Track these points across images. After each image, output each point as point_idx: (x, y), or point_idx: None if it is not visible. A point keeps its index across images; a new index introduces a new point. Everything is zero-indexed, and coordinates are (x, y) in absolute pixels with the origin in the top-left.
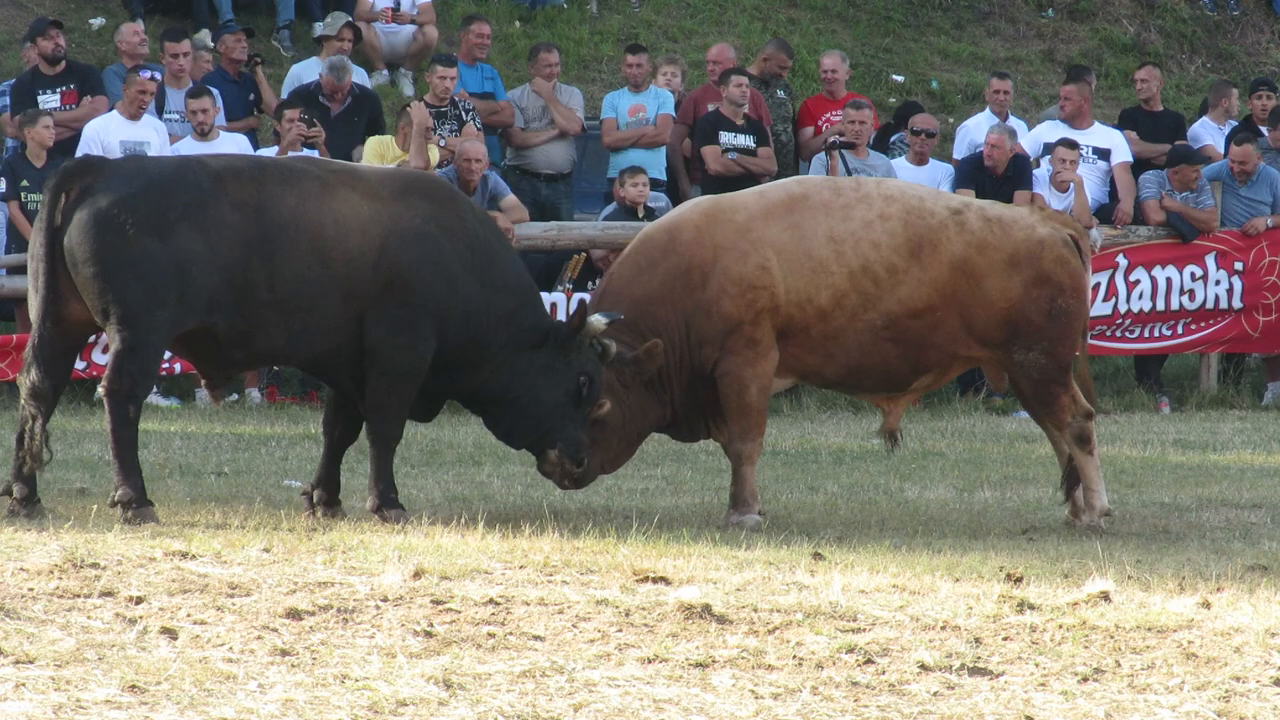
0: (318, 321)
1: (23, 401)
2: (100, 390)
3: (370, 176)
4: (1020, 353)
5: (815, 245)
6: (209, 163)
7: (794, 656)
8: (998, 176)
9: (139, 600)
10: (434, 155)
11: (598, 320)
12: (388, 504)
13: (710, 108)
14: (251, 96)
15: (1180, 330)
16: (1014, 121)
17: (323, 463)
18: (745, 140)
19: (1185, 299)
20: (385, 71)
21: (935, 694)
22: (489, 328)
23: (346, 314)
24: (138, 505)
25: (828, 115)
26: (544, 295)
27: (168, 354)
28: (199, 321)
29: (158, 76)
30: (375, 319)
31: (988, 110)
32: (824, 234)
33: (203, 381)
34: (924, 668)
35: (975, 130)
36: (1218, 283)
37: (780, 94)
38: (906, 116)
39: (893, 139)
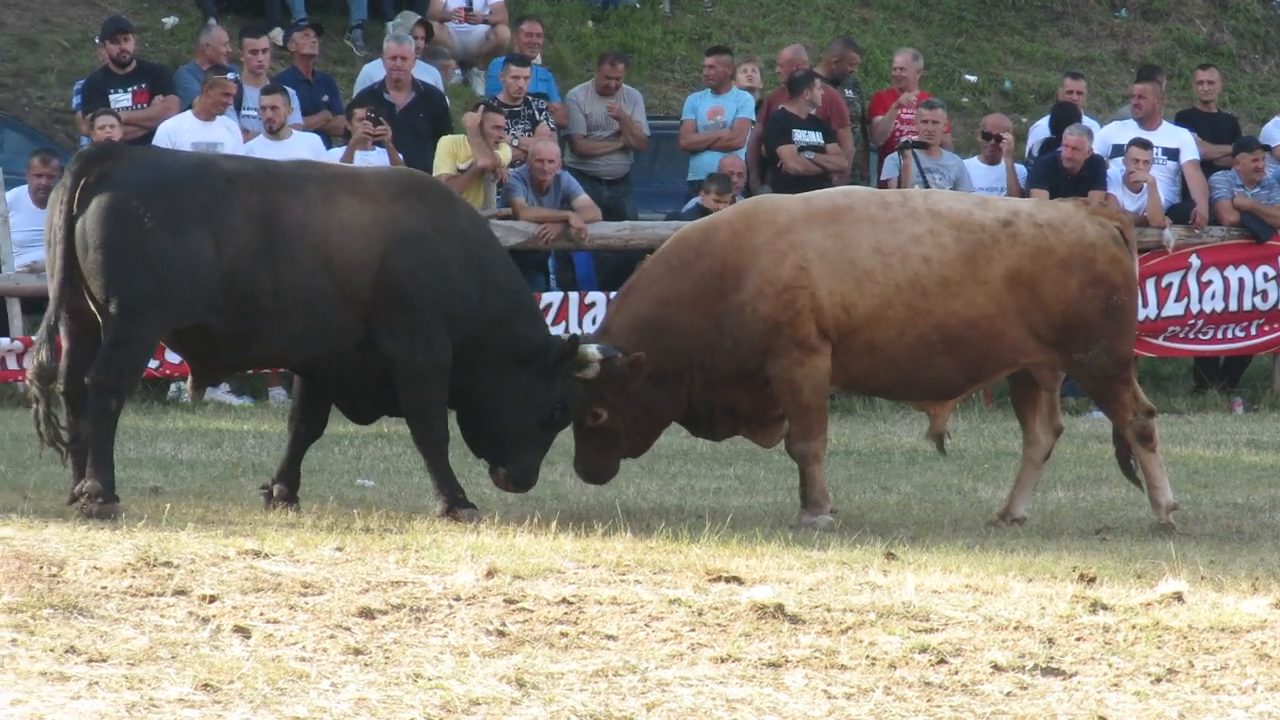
0: (318, 325)
1: (29, 380)
2: (86, 379)
3: (370, 179)
4: (1079, 352)
5: (861, 254)
6: (224, 165)
7: (867, 656)
8: (1072, 177)
9: (212, 599)
10: (506, 155)
11: (589, 351)
12: (458, 504)
13: (779, 107)
14: (325, 97)
15: (1254, 331)
16: (1086, 121)
17: (285, 457)
18: (816, 137)
19: (1258, 299)
20: (458, 71)
21: (1008, 694)
22: (486, 329)
23: (348, 318)
24: (103, 500)
25: (900, 99)
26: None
27: None
28: (195, 320)
29: (236, 77)
30: (384, 329)
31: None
32: (870, 245)
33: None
34: (997, 668)
35: (1045, 131)
36: None
37: (848, 93)
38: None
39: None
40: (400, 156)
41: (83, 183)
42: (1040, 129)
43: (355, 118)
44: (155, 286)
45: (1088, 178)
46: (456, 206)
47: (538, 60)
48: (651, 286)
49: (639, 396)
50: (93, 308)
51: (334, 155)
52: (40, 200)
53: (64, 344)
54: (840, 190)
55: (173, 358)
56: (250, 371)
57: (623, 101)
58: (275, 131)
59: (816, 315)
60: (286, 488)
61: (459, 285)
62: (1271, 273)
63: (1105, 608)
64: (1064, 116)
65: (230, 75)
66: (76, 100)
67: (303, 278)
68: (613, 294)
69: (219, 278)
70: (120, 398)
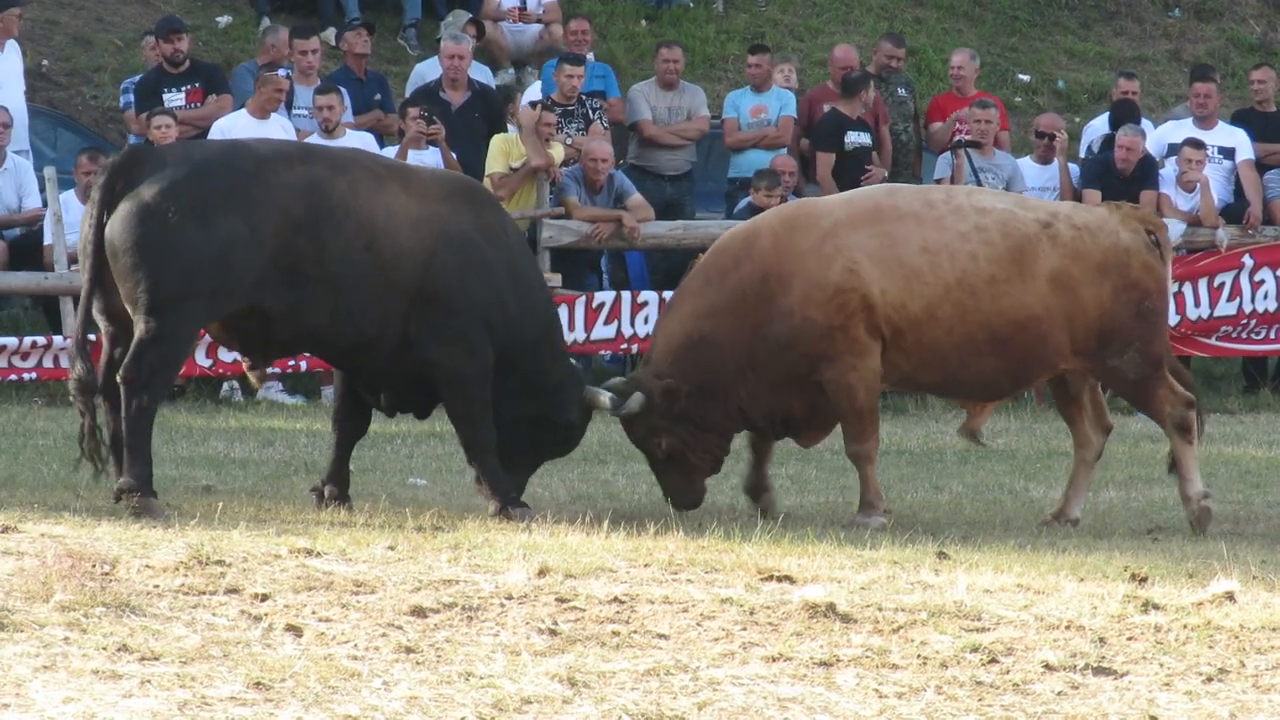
0: (362, 305)
1: (72, 396)
2: (118, 376)
3: (421, 176)
4: (1114, 358)
5: (909, 253)
6: (257, 147)
7: (918, 656)
8: (1124, 178)
9: (264, 597)
10: (559, 153)
11: (600, 400)
12: (511, 504)
13: (826, 107)
14: (377, 96)
15: None
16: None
17: (333, 458)
18: (866, 138)
19: None
20: (512, 70)
21: (1059, 694)
22: (519, 350)
23: (391, 306)
24: (141, 495)
25: (957, 113)
26: (669, 294)
27: None
28: (247, 302)
29: (288, 74)
30: (427, 333)
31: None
32: (917, 243)
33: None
34: (1048, 667)
35: (1102, 129)
36: None
37: (901, 91)
38: None
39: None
40: (454, 156)
41: (113, 192)
42: (1098, 126)
43: (409, 116)
44: (184, 281)
45: (1139, 178)
46: (505, 219)
47: (591, 58)
48: (688, 302)
49: (689, 414)
50: (128, 308)
51: (387, 154)
52: (87, 199)
53: (104, 346)
54: (884, 188)
55: (225, 356)
56: (304, 367)
57: (683, 95)
58: (330, 131)
59: (867, 315)
60: (337, 488)
61: (503, 295)
62: None
63: (1157, 607)
64: (1123, 114)
65: (282, 73)
66: (125, 99)
67: (346, 251)
68: (666, 293)
69: (264, 257)
70: (153, 394)
